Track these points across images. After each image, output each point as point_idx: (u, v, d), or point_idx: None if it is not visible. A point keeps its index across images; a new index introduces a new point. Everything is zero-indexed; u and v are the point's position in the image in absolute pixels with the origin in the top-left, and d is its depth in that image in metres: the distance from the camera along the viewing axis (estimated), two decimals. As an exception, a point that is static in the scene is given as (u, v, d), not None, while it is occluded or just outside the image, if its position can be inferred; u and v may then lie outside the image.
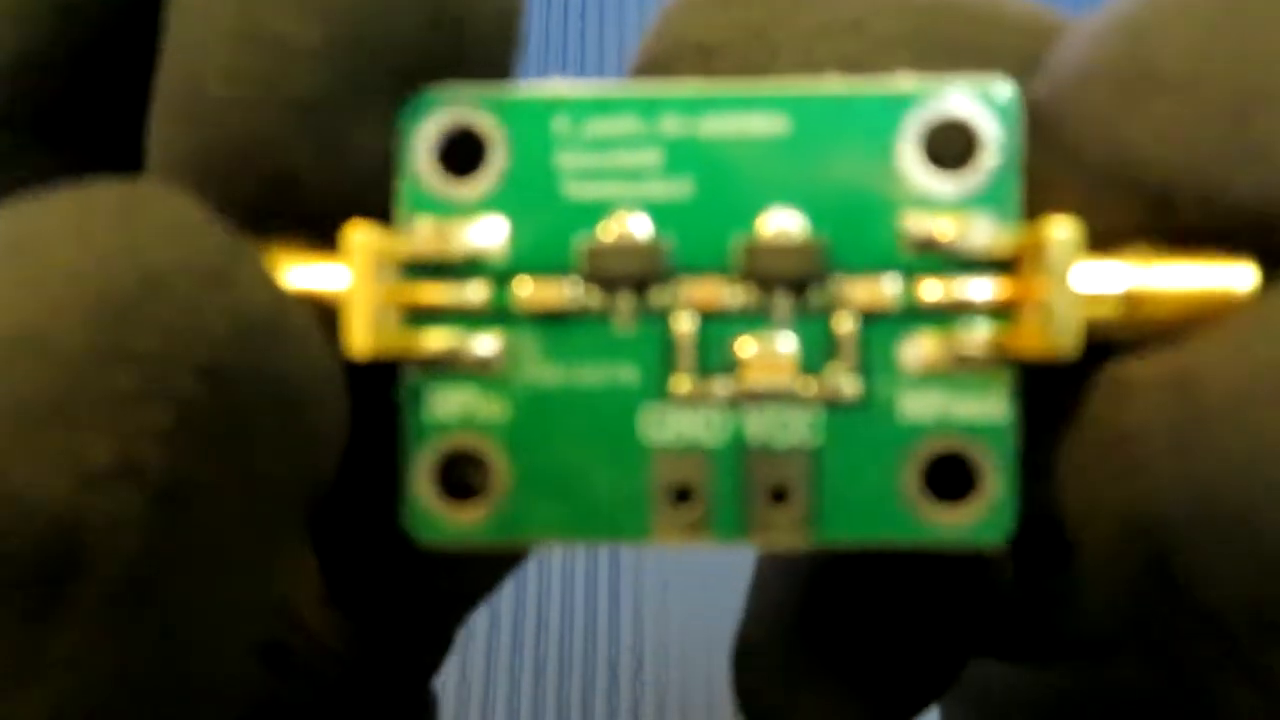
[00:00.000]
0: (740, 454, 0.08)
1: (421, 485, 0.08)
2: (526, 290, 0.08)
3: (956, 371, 0.08)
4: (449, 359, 0.08)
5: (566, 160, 0.08)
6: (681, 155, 0.08)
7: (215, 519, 0.07)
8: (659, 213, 0.08)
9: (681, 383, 0.08)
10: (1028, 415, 0.08)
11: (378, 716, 0.09)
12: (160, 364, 0.06)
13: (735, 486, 0.08)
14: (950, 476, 0.08)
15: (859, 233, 0.08)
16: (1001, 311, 0.08)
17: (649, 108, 0.08)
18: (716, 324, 0.08)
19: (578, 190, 0.08)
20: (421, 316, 0.08)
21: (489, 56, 0.08)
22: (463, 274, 0.08)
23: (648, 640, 0.24)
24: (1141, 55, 0.07)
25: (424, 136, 0.08)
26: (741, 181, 0.08)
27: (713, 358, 0.08)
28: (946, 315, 0.08)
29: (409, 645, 0.09)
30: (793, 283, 0.08)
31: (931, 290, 0.08)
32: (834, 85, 0.08)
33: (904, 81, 0.08)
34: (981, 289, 0.08)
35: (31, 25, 0.08)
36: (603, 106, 0.08)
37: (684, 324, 0.08)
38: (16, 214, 0.07)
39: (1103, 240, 0.07)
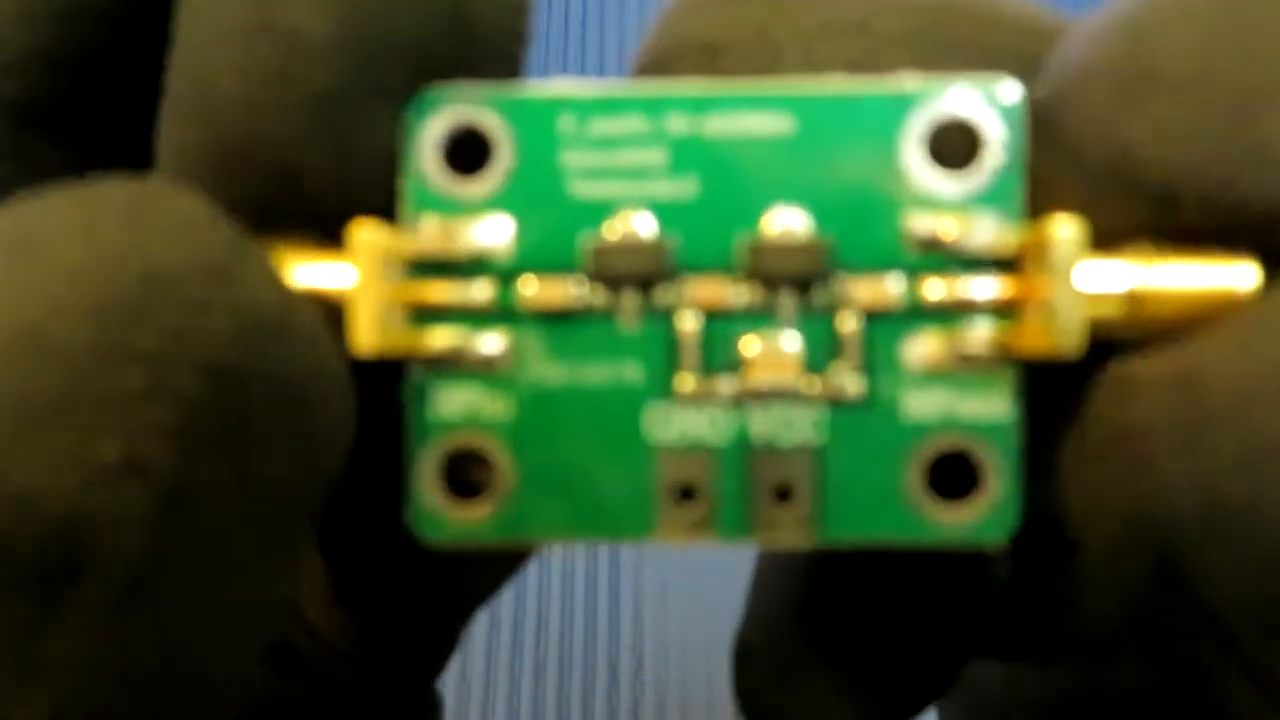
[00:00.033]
0: (744, 453, 0.08)
1: (426, 484, 0.08)
2: (531, 289, 0.08)
3: (960, 370, 0.08)
4: (454, 357, 0.08)
5: (572, 159, 0.08)
6: (686, 154, 0.08)
7: (220, 518, 0.07)
8: (664, 212, 0.08)
9: (686, 381, 0.08)
10: (1031, 414, 0.08)
11: (383, 717, 0.09)
12: (166, 363, 0.06)
13: (739, 485, 0.08)
14: (953, 475, 0.08)
15: (863, 232, 0.08)
16: (1005, 310, 0.08)
17: (654, 107, 0.08)
18: (721, 323, 0.08)
19: (583, 189, 0.08)
20: (427, 315, 0.08)
21: (499, 51, 0.08)
22: (468, 272, 0.08)
23: (648, 640, 0.24)
24: (1142, 55, 0.07)
25: (429, 135, 0.08)
26: (746, 180, 0.08)
27: (717, 356, 0.08)
28: (950, 314, 0.08)
29: (414, 645, 0.09)
30: (797, 282, 0.08)
31: (935, 289, 0.08)
32: (838, 85, 0.08)
33: (908, 81, 0.08)
34: (985, 288, 0.08)
35: (43, 22, 0.08)
36: (608, 106, 0.08)
37: (688, 323, 0.08)
38: (23, 211, 0.07)
39: (1105, 239, 0.07)
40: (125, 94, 0.08)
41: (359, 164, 0.07)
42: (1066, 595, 0.10)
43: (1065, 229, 0.07)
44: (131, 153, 0.08)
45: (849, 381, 0.08)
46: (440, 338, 0.08)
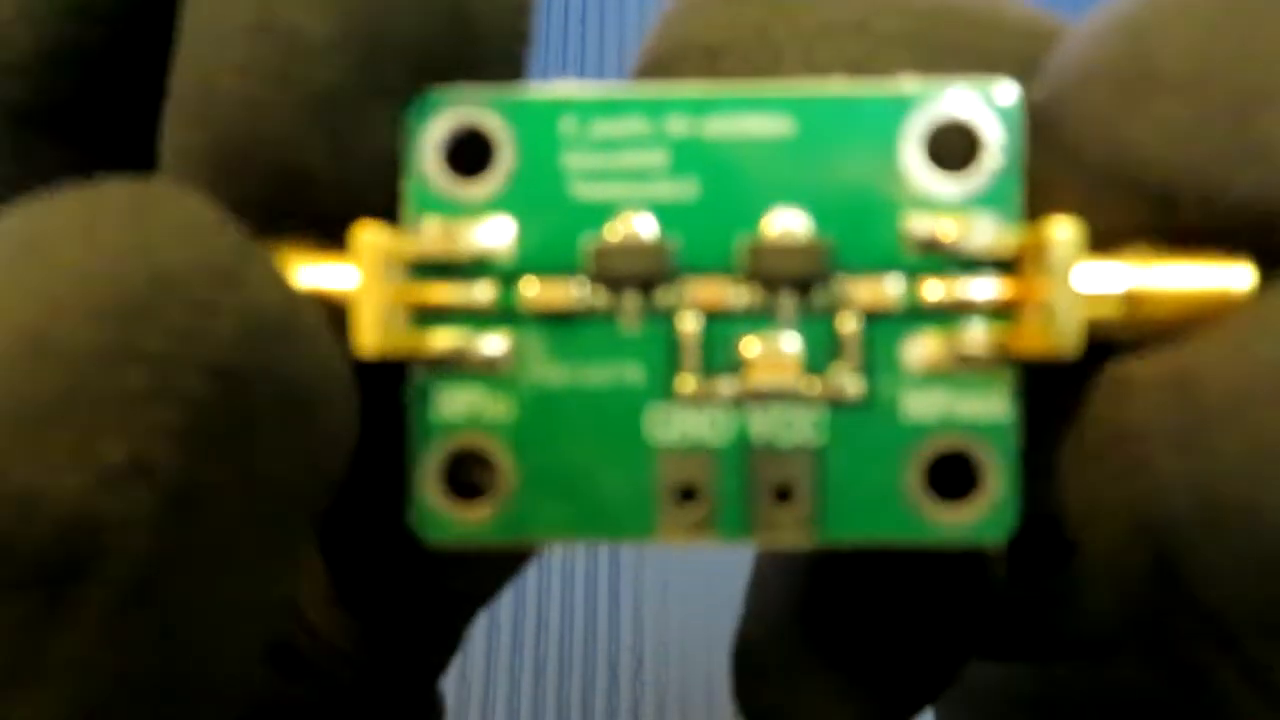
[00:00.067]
0: (745, 453, 0.08)
1: (428, 484, 0.08)
2: (533, 290, 0.08)
3: (959, 371, 0.08)
4: (456, 358, 0.08)
5: (573, 161, 0.08)
6: (687, 156, 0.08)
7: (223, 519, 0.07)
8: (665, 213, 0.08)
9: (686, 382, 0.08)
10: (1029, 414, 0.08)
11: (385, 717, 0.09)
12: (171, 364, 0.06)
13: (740, 485, 0.08)
14: (953, 475, 0.08)
15: (863, 233, 0.08)
16: (1003, 311, 0.08)
17: (655, 109, 0.08)
18: (721, 324, 0.08)
19: (584, 191, 0.08)
20: (429, 316, 0.08)
21: (501, 52, 0.08)
22: (470, 274, 0.08)
23: (648, 640, 0.24)
24: (1141, 55, 0.07)
25: (431, 137, 0.08)
26: (746, 182, 0.08)
27: (718, 357, 0.08)
28: (949, 315, 0.08)
29: (416, 645, 0.09)
30: (797, 283, 0.08)
31: (934, 290, 0.08)
32: (838, 87, 0.08)
33: (907, 83, 0.08)
34: (983, 289, 0.08)
35: (45, 22, 0.08)
36: (609, 107, 0.08)
37: (689, 324, 0.08)
38: (28, 213, 0.07)
39: (1103, 240, 0.07)
40: (127, 95, 0.08)
41: (360, 164, 0.07)
42: (1065, 595, 0.10)
43: (1064, 230, 0.07)
44: (134, 154, 0.08)
45: (849, 382, 0.08)
46: (442, 339, 0.08)
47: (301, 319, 0.07)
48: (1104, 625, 0.08)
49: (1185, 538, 0.07)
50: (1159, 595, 0.07)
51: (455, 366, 0.08)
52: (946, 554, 0.09)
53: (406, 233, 0.08)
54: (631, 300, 0.08)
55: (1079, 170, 0.07)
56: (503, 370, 0.08)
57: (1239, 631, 0.07)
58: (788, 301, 0.08)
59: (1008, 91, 0.08)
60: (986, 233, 0.08)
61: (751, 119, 0.08)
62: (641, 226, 0.08)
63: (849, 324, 0.08)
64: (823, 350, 0.08)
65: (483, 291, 0.08)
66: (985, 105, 0.08)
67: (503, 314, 0.08)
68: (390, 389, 0.08)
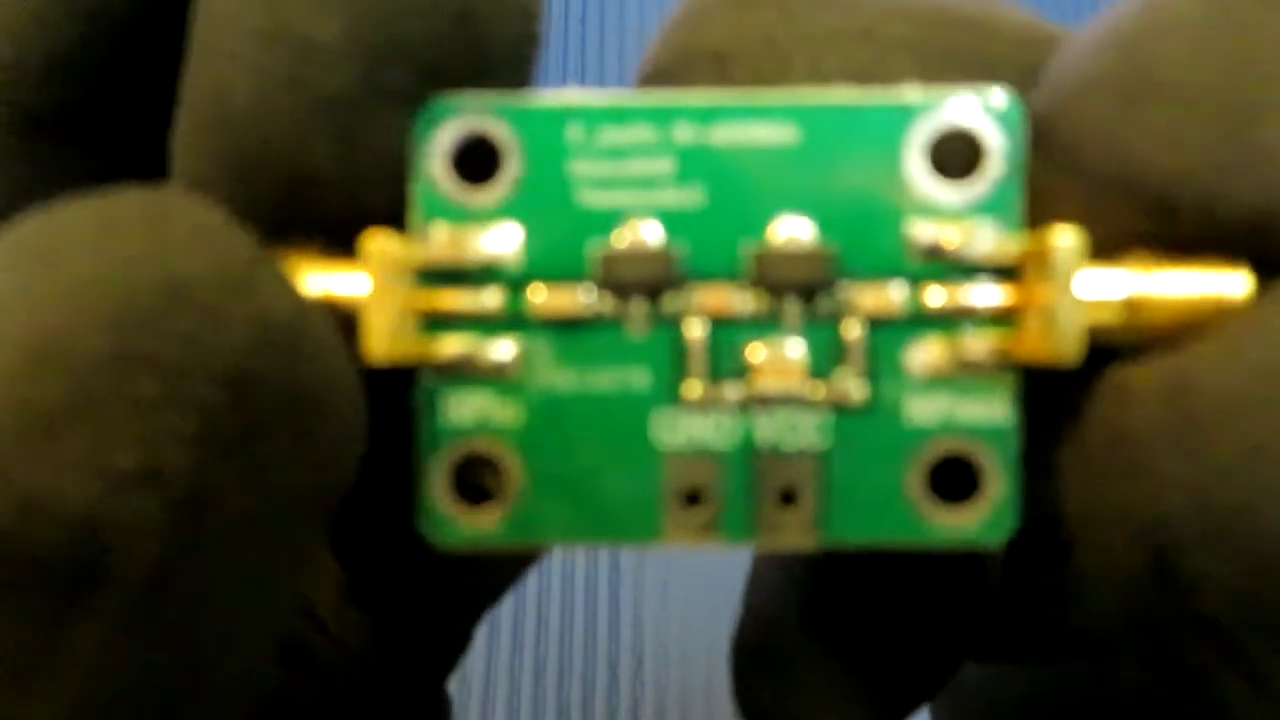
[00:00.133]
0: (750, 457, 0.08)
1: (437, 489, 0.08)
2: (541, 296, 0.08)
3: (961, 376, 0.08)
4: (464, 364, 0.08)
5: (580, 168, 0.08)
6: (693, 163, 0.08)
7: (234, 524, 0.07)
8: (671, 220, 0.08)
9: (693, 388, 0.08)
10: (1029, 417, 0.08)
11: (394, 716, 0.09)
12: (183, 372, 0.06)
13: (745, 489, 0.08)
14: (954, 478, 0.08)
15: (867, 240, 0.08)
16: (1005, 318, 0.08)
17: (661, 116, 0.08)
18: (727, 330, 0.08)
19: (591, 198, 0.08)
20: (437, 322, 0.08)
21: (510, 58, 0.08)
22: (478, 280, 0.08)
23: (648, 640, 0.24)
24: (1140, 65, 0.07)
25: (439, 144, 0.08)
26: (752, 189, 0.08)
27: (724, 363, 0.08)
28: (952, 321, 0.08)
29: (426, 643, 0.09)
30: (802, 289, 0.08)
31: (937, 297, 0.08)
32: (843, 95, 0.08)
33: (911, 92, 0.08)
34: (986, 295, 0.08)
35: (58, 28, 0.08)
36: (616, 115, 0.08)
37: (695, 330, 0.08)
38: (41, 221, 0.07)
39: (1103, 247, 0.07)
40: (138, 100, 0.08)
41: (368, 170, 0.07)
42: (1063, 595, 0.10)
43: (1065, 238, 0.07)
44: (145, 159, 0.08)
45: (853, 387, 0.08)
46: (451, 345, 0.08)
47: (311, 327, 0.07)
48: (1103, 626, 0.08)
49: (1182, 540, 0.07)
50: (1157, 597, 0.07)
51: (463, 372, 0.08)
52: (945, 554, 0.09)
53: (415, 240, 0.08)
54: (638, 307, 0.08)
55: (1079, 178, 0.07)
56: (511, 376, 0.08)
57: (1237, 633, 0.07)
58: (793, 308, 0.08)
59: (1009, 100, 0.08)
60: (988, 240, 0.08)
61: (757, 127, 0.08)
62: (648, 234, 0.08)
63: (853, 330, 0.08)
64: (827, 356, 0.08)
65: (491, 298, 0.08)
66: (987, 114, 0.08)
67: (511, 320, 0.08)
68: (400, 392, 0.08)
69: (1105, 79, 0.07)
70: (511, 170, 0.08)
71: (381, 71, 0.07)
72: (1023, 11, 0.09)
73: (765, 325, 0.08)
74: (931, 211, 0.08)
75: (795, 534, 0.08)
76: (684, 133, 0.08)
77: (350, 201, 0.07)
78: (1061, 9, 0.29)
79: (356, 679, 0.09)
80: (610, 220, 0.08)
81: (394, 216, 0.08)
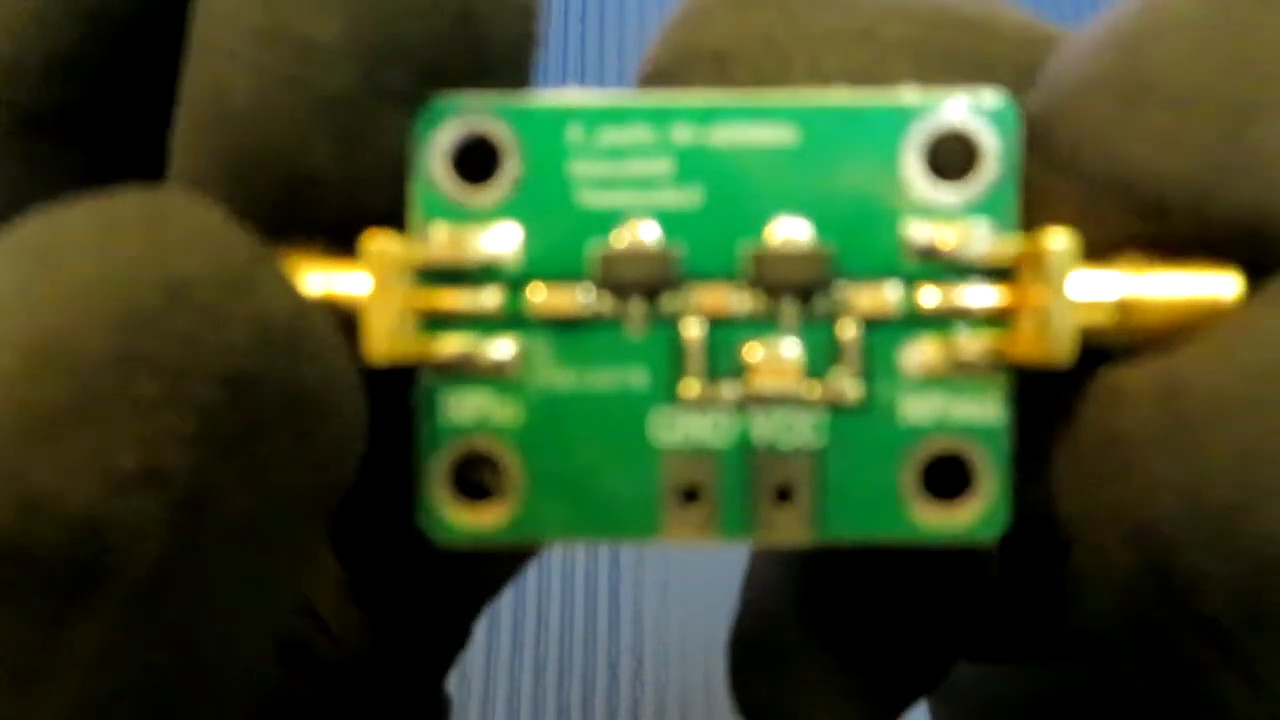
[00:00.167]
0: (747, 455, 0.08)
1: (437, 487, 0.08)
2: (540, 296, 0.08)
3: (955, 376, 0.08)
4: (464, 363, 0.08)
5: (579, 168, 0.08)
6: (692, 164, 0.08)
7: (234, 524, 0.07)
8: (670, 221, 0.08)
9: (690, 387, 0.08)
10: (1023, 417, 0.08)
11: (395, 714, 0.09)
12: (183, 372, 0.06)
13: (742, 486, 0.08)
14: (948, 476, 0.08)
15: (864, 241, 0.08)
16: (998, 318, 0.08)
17: (660, 117, 0.08)
18: (725, 330, 0.08)
19: (590, 198, 0.08)
20: (437, 322, 0.08)
21: (509, 57, 0.08)
22: (477, 280, 0.08)
23: (648, 640, 0.24)
24: (1136, 68, 0.07)
25: (438, 144, 0.08)
26: (750, 190, 0.08)
27: (721, 362, 0.08)
28: (946, 321, 0.08)
29: (426, 640, 0.10)
30: (799, 290, 0.08)
31: (932, 297, 0.08)
32: (841, 97, 0.08)
33: (908, 94, 0.08)
34: (980, 296, 0.08)
35: (59, 28, 0.08)
36: (615, 116, 0.08)
37: (693, 330, 0.08)
38: (41, 222, 0.07)
39: (1096, 249, 0.07)
40: (137, 100, 0.08)
41: (368, 169, 0.07)
42: (1060, 595, 0.10)
43: (1059, 240, 0.07)
44: (143, 159, 0.08)
45: (848, 386, 0.08)
46: (450, 344, 0.08)
47: (311, 326, 0.07)
48: (1099, 626, 0.08)
49: (1176, 541, 0.07)
50: (1153, 597, 0.07)
51: (463, 371, 0.08)
52: (939, 551, 0.09)
53: (415, 239, 0.08)
54: (637, 306, 0.08)
55: (1074, 179, 0.07)
56: (510, 375, 0.08)
57: (1235, 633, 0.07)
58: (790, 308, 0.08)
59: (1005, 103, 0.08)
60: (983, 241, 0.08)
61: (755, 128, 0.08)
62: (647, 234, 0.08)
63: (849, 330, 0.08)
64: (823, 355, 0.08)
65: (490, 297, 0.08)
66: (983, 116, 0.08)
67: (510, 319, 0.08)
68: (400, 390, 0.08)
69: (1103, 80, 0.07)
70: (511, 170, 0.08)
71: (381, 71, 0.07)
72: (1021, 12, 0.09)
73: (762, 325, 0.08)
74: (928, 212, 0.08)
75: (791, 531, 0.08)
76: (683, 133, 0.08)
77: (350, 201, 0.07)
78: (1060, 9, 0.29)
79: (357, 678, 0.09)
80: (609, 220, 0.08)
81: (394, 216, 0.08)
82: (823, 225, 0.08)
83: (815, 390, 0.08)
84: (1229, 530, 0.07)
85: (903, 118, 0.08)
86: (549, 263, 0.08)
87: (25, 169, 0.08)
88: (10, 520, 0.06)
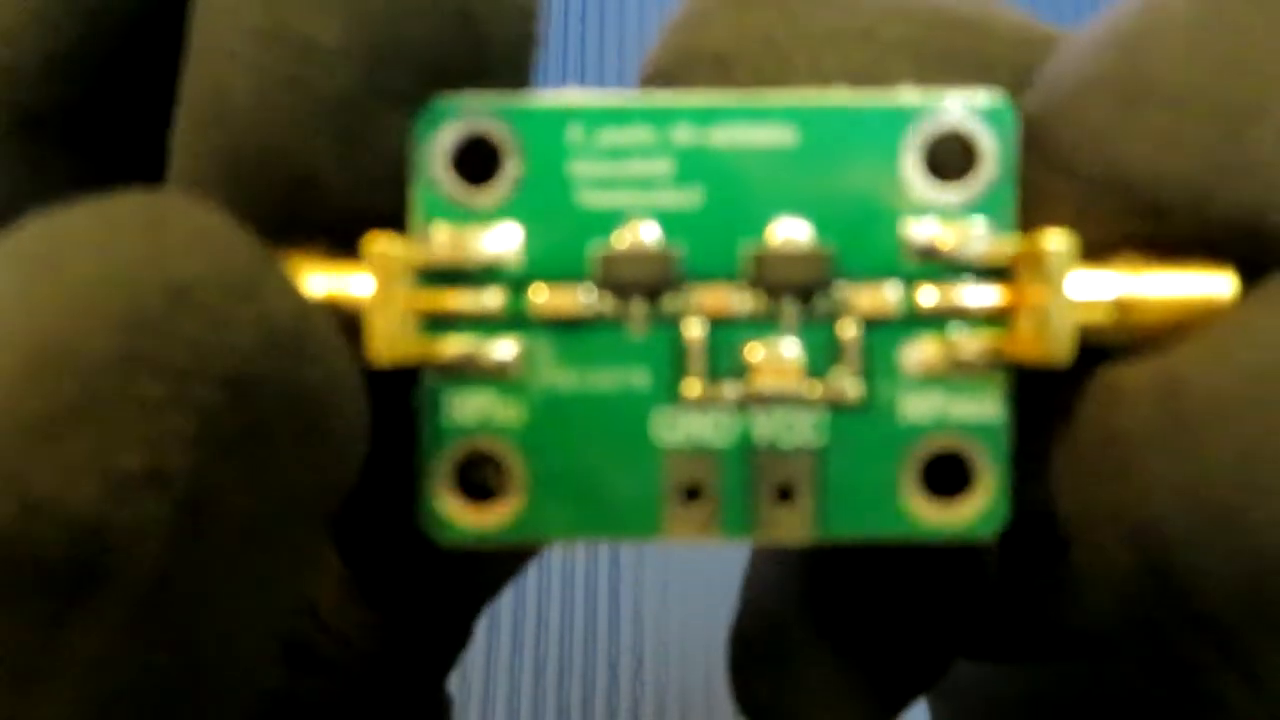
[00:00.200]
0: (748, 454, 0.08)
1: (440, 488, 0.08)
2: (542, 296, 0.08)
3: (954, 374, 0.08)
4: (466, 364, 0.08)
5: (580, 169, 0.08)
6: (692, 165, 0.08)
7: (238, 526, 0.07)
8: (670, 221, 0.08)
9: (692, 386, 0.08)
10: (1022, 416, 0.08)
11: (397, 714, 0.09)
12: (185, 374, 0.06)
13: (743, 485, 0.08)
14: (947, 474, 0.08)
15: (863, 241, 0.08)
16: (997, 318, 0.08)
17: (661, 117, 0.08)
18: (726, 330, 0.08)
19: (591, 199, 0.08)
20: (439, 322, 0.08)
21: (510, 58, 0.08)
22: (479, 280, 0.08)
23: (648, 640, 0.24)
24: (1134, 69, 0.07)
25: (439, 144, 0.08)
26: (750, 191, 0.08)
27: (722, 362, 0.08)
28: (945, 320, 0.08)
29: (430, 639, 0.10)
30: (799, 290, 0.08)
31: (931, 297, 0.08)
32: (841, 97, 0.08)
33: (908, 94, 0.08)
34: (979, 296, 0.08)
35: (57, 28, 0.08)
36: (616, 116, 0.08)
37: (694, 330, 0.08)
38: (43, 225, 0.07)
39: (1094, 248, 0.07)
40: (137, 101, 0.08)
41: (370, 171, 0.07)
42: (1059, 594, 0.10)
43: (1057, 240, 0.07)
44: (143, 161, 0.08)
45: (849, 385, 0.08)
46: (453, 345, 0.08)
47: (314, 329, 0.07)
48: (1099, 625, 0.08)
49: (1173, 540, 0.07)
50: (1152, 596, 0.07)
51: (465, 372, 0.08)
52: (939, 548, 0.09)
53: (416, 240, 0.08)
54: (638, 307, 0.08)
55: (1072, 179, 0.08)
56: (512, 375, 0.08)
57: (1234, 632, 0.07)
58: (790, 308, 0.08)
59: (1004, 103, 0.08)
60: (982, 241, 0.08)
61: (755, 129, 0.08)
62: (647, 234, 0.08)
63: (849, 330, 0.08)
64: (824, 355, 0.08)
65: (492, 298, 0.08)
66: (982, 117, 0.08)
67: (512, 320, 0.08)
68: (403, 389, 0.08)
69: (1101, 81, 0.07)
70: (512, 171, 0.08)
71: (382, 72, 0.07)
72: (1019, 12, 0.09)
73: (763, 325, 0.08)
74: (927, 212, 0.08)
75: (792, 529, 0.08)
76: (683, 134, 0.08)
77: (351, 202, 0.07)
78: (1058, 9, 0.29)
79: (360, 676, 0.09)
80: (610, 221, 0.08)
81: (395, 217, 0.08)
82: (823, 225, 0.08)
83: (816, 389, 0.08)
84: (1227, 529, 0.07)
85: (902, 118, 0.08)
86: (550, 263, 0.08)
87: (25, 170, 0.08)
88: (11, 521, 0.06)
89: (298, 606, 0.08)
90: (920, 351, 0.08)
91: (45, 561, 0.06)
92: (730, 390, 0.08)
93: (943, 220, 0.08)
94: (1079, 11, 0.29)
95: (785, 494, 0.08)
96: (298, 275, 0.07)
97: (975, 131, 0.08)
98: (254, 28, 0.07)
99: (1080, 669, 0.10)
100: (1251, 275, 0.07)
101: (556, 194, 0.08)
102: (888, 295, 0.08)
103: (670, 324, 0.08)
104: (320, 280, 0.08)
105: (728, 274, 0.08)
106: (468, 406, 0.08)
